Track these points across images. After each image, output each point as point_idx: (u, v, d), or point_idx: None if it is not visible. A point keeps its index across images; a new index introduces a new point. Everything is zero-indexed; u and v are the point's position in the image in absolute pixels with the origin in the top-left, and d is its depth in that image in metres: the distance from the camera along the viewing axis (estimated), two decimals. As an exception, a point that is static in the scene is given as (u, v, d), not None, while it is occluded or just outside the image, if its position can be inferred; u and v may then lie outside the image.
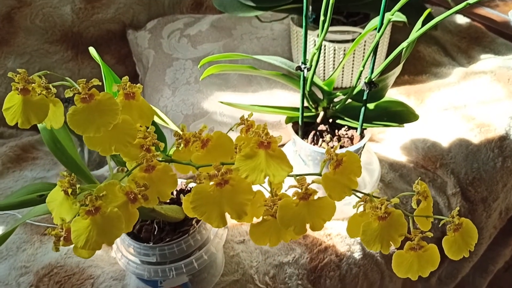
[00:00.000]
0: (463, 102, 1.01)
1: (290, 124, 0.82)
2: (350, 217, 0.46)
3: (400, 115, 0.82)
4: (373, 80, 0.71)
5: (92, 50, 0.65)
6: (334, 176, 0.43)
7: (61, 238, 0.41)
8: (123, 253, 0.68)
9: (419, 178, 0.90)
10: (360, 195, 0.45)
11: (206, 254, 0.68)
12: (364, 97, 0.75)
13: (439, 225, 0.45)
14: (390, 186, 0.91)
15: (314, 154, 0.79)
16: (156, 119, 0.70)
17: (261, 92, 1.03)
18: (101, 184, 0.43)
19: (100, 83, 0.43)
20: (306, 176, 0.45)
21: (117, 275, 0.76)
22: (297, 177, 0.43)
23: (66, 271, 0.74)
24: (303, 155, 0.81)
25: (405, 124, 0.80)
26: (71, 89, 0.42)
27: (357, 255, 0.83)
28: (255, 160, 0.45)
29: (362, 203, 0.45)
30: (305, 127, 0.82)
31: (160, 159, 0.52)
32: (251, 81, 1.05)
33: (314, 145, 0.80)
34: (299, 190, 0.42)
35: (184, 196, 0.52)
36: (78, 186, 0.43)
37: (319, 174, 0.45)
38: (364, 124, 0.79)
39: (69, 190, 0.43)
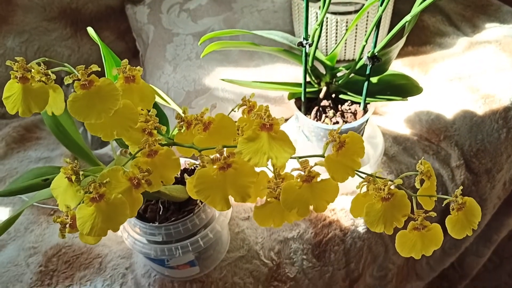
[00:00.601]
0: (467, 72, 1.00)
1: (292, 100, 0.82)
2: (354, 197, 0.46)
3: (403, 88, 0.81)
4: (376, 54, 0.71)
5: (90, 30, 0.64)
6: (337, 158, 0.43)
7: (67, 225, 0.41)
8: (129, 232, 0.69)
9: (423, 151, 0.90)
10: (363, 175, 0.45)
11: (212, 232, 0.69)
12: (367, 72, 0.74)
13: (443, 204, 0.45)
14: (394, 160, 0.90)
15: (317, 130, 0.79)
16: (157, 99, 0.70)
17: (263, 67, 1.02)
18: (104, 170, 0.43)
19: (100, 69, 0.43)
20: (309, 158, 0.45)
21: (125, 253, 0.77)
22: (300, 160, 0.43)
23: (74, 251, 0.75)
24: (306, 131, 0.81)
25: (408, 98, 0.80)
26: (70, 76, 0.42)
27: (361, 229, 0.83)
28: (258, 142, 0.45)
29: (366, 183, 0.45)
30: (308, 103, 0.82)
31: (163, 142, 0.52)
32: (252, 56, 1.04)
33: (317, 121, 0.79)
34: (302, 173, 0.42)
35: (188, 175, 0.52)
36: (81, 173, 0.43)
37: (322, 156, 0.45)
38: (367, 99, 0.79)
39: (73, 177, 0.43)
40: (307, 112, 0.81)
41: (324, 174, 0.44)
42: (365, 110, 0.80)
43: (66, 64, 0.44)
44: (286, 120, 1.04)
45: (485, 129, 0.92)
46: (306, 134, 0.81)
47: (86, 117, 0.43)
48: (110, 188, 0.43)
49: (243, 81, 0.82)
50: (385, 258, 0.88)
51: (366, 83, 0.75)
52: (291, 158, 0.45)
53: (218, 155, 0.43)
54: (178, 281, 0.74)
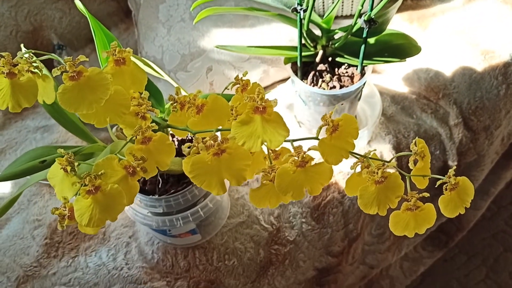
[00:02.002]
0: (467, 27, 0.98)
1: (289, 65, 0.81)
2: (348, 177, 0.47)
3: (401, 48, 0.80)
4: (372, 17, 0.69)
5: (78, 3, 0.63)
6: (330, 142, 0.43)
7: (65, 217, 0.42)
8: (130, 205, 0.70)
9: (421, 110, 0.89)
10: (357, 156, 0.45)
11: (211, 202, 0.70)
12: (364, 35, 0.72)
13: (435, 185, 0.45)
14: (392, 120, 0.90)
15: (314, 95, 0.78)
16: (150, 71, 0.69)
17: (259, 27, 1.00)
18: (99, 160, 0.43)
19: (88, 59, 0.42)
20: (302, 141, 0.45)
21: (127, 222, 0.79)
22: (294, 145, 0.43)
23: (77, 222, 0.77)
24: (303, 96, 0.80)
25: (407, 59, 0.78)
26: (58, 67, 0.41)
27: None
28: (251, 126, 0.45)
29: (360, 163, 0.45)
30: (304, 67, 0.81)
31: (156, 128, 0.52)
32: (247, 16, 1.01)
33: (313, 86, 0.79)
34: (296, 158, 0.42)
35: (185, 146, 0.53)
36: (76, 164, 0.43)
37: (316, 138, 0.45)
38: (364, 61, 0.77)
39: (68, 168, 0.43)
40: (303, 77, 0.80)
41: (318, 155, 0.44)
42: (362, 73, 0.79)
43: (52, 54, 0.43)
44: (284, 80, 1.03)
45: (484, 86, 0.91)
46: (303, 99, 0.81)
47: (77, 109, 0.42)
48: (106, 178, 0.43)
49: (238, 46, 0.80)
50: (382, 216, 0.90)
51: (362, 47, 0.74)
52: (285, 141, 0.45)
53: (211, 141, 0.43)
54: (181, 248, 0.76)
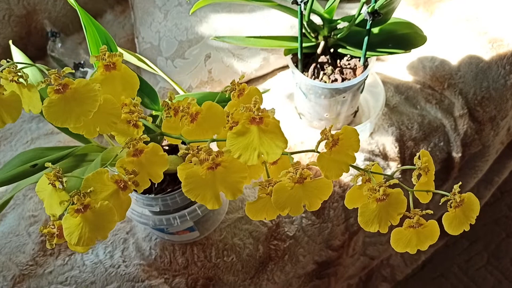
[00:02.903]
0: (475, 14, 0.94)
1: (289, 56, 0.78)
2: (349, 190, 0.45)
3: (406, 38, 0.77)
4: (376, 9, 0.66)
5: (69, -2, 0.60)
6: (330, 156, 0.41)
7: (54, 235, 0.40)
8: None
9: (426, 100, 0.87)
10: (359, 167, 0.43)
11: (209, 200, 0.68)
12: (367, 27, 0.69)
13: (440, 203, 0.43)
14: (395, 111, 0.88)
15: (315, 88, 0.76)
16: (145, 66, 0.66)
17: (259, 12, 0.97)
18: (88, 175, 0.42)
19: (74, 71, 0.40)
20: (300, 152, 0.43)
21: (125, 218, 0.78)
22: (292, 162, 0.41)
23: (74, 218, 0.76)
24: (304, 88, 0.78)
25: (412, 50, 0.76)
26: (43, 80, 0.39)
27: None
28: (248, 137, 0.43)
29: (360, 177, 0.43)
30: (305, 58, 0.78)
31: (150, 127, 0.50)
32: (247, 0, 0.98)
33: (314, 78, 0.76)
34: (294, 174, 0.40)
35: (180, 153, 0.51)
36: (65, 180, 0.42)
37: (315, 151, 0.43)
38: (367, 53, 0.75)
39: (56, 183, 0.42)
40: (304, 69, 0.77)
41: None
42: (365, 65, 0.76)
43: (37, 64, 0.41)
44: (285, 68, 1.00)
45: (491, 75, 0.88)
46: (304, 91, 0.78)
47: (63, 122, 0.40)
48: (96, 193, 0.41)
49: (236, 37, 0.77)
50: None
51: (366, 39, 0.71)
52: (283, 154, 0.43)
53: (206, 155, 0.42)
54: (179, 244, 0.75)
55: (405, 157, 0.85)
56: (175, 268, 0.74)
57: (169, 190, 0.67)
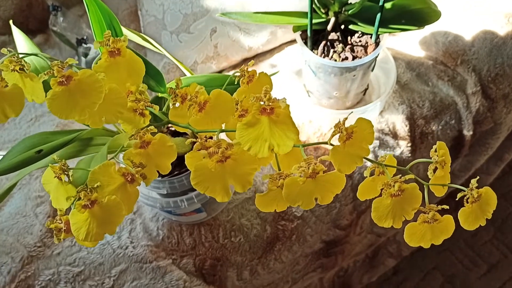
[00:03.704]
0: (492, -15, 0.91)
1: (298, 33, 0.75)
2: (362, 182, 0.44)
3: (420, 14, 0.74)
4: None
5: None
6: (344, 149, 0.40)
7: (61, 230, 0.40)
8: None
9: (438, 77, 0.85)
10: (370, 162, 0.42)
11: (216, 182, 0.67)
12: (380, 2, 0.67)
13: (456, 199, 0.42)
14: (406, 88, 0.86)
15: (324, 66, 0.74)
16: (150, 46, 0.64)
17: (266, -16, 0.93)
18: (95, 168, 0.40)
19: (77, 62, 0.38)
20: (313, 143, 0.42)
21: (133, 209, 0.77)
22: (304, 158, 0.40)
23: (80, 198, 0.75)
24: (313, 66, 0.76)
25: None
26: (45, 72, 0.37)
27: (370, 164, 0.81)
28: (258, 128, 0.41)
29: (374, 168, 0.42)
30: (315, 35, 0.76)
31: (157, 115, 0.48)
32: (254, -28, 0.94)
33: (324, 57, 0.74)
34: (306, 169, 0.39)
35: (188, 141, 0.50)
36: (71, 173, 0.41)
37: (329, 143, 0.41)
38: (379, 29, 0.72)
39: (62, 177, 0.41)
40: (313, 47, 0.75)
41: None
42: (377, 42, 0.74)
43: (39, 53, 0.39)
44: (293, 42, 0.97)
45: (506, 51, 0.85)
46: (313, 69, 0.76)
47: (68, 115, 0.39)
48: (103, 186, 0.40)
49: (243, 13, 0.75)
50: (393, 188, 0.87)
51: (378, 15, 0.69)
52: (294, 146, 0.42)
53: (215, 148, 0.40)
54: (186, 225, 0.75)
55: (415, 135, 0.84)
56: (183, 248, 0.74)
57: (176, 172, 0.66)
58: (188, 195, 0.67)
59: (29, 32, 1.03)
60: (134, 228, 0.74)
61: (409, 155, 0.84)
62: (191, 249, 0.74)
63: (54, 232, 0.40)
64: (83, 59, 0.91)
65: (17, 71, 0.40)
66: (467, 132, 0.87)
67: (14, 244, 0.70)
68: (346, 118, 0.39)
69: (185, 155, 0.49)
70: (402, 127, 0.83)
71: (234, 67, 0.97)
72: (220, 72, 0.98)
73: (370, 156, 0.82)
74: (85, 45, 0.85)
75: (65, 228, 0.39)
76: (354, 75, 0.75)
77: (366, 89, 0.83)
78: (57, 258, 0.70)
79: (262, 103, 0.41)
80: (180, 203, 0.67)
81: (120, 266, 0.70)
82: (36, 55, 0.40)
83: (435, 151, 0.41)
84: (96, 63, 0.44)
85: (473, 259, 1.26)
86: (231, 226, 0.75)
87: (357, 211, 0.84)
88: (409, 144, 0.83)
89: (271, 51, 0.97)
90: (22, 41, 0.60)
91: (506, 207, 1.35)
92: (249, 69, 0.48)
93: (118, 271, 0.70)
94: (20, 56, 0.39)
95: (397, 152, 0.83)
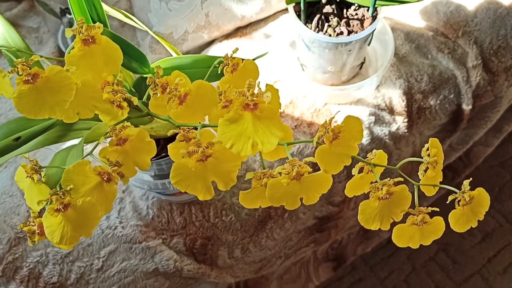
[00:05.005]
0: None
1: (291, 5, 0.71)
2: (350, 180, 0.42)
3: (420, -16, 0.70)
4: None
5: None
6: (330, 150, 0.38)
7: (35, 233, 0.38)
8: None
9: (438, 49, 0.81)
10: (359, 161, 0.40)
11: (205, 163, 0.65)
12: (378, -25, 0.63)
13: (447, 202, 0.40)
14: (404, 61, 0.82)
15: (319, 41, 0.70)
16: (132, 23, 0.61)
17: None
18: (69, 166, 0.39)
19: (40, 57, 0.35)
20: (297, 142, 0.40)
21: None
22: (290, 157, 0.38)
23: (68, 177, 0.74)
24: (307, 41, 0.72)
25: (425, -1, 0.69)
26: (9, 70, 0.35)
27: (365, 140, 0.80)
28: (241, 124, 0.39)
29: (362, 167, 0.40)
30: (309, 8, 0.72)
31: (138, 105, 0.46)
32: None
33: (318, 31, 0.70)
34: (290, 172, 0.37)
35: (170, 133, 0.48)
36: (43, 173, 0.39)
37: (313, 142, 0.39)
38: (377, 2, 0.68)
39: (35, 177, 0.39)
40: (307, 20, 0.71)
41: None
42: (374, 16, 0.70)
43: (3, 48, 0.36)
44: (287, 10, 0.93)
45: (510, 22, 0.81)
46: (307, 44, 0.73)
47: (37, 114, 0.37)
48: (78, 187, 0.38)
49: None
50: (388, 163, 0.86)
51: (376, -12, 0.65)
52: (279, 144, 0.39)
53: (195, 147, 0.38)
54: (176, 203, 0.74)
55: (412, 111, 0.81)
56: (173, 228, 0.73)
57: (163, 154, 0.64)
58: (176, 177, 0.65)
59: (13, -2, 0.99)
60: (124, 208, 0.73)
61: (406, 130, 0.82)
62: (181, 228, 0.73)
63: (28, 235, 0.38)
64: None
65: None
66: (466, 107, 0.85)
67: (1, 225, 0.69)
68: (332, 118, 0.37)
69: (168, 146, 0.47)
70: (399, 102, 0.80)
71: (226, 36, 0.93)
72: (212, 41, 0.94)
73: (365, 133, 0.80)
74: (69, 16, 0.81)
75: (38, 231, 0.38)
76: (349, 50, 0.72)
77: (362, 63, 0.80)
78: (45, 240, 0.69)
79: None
80: (168, 185, 0.66)
81: (109, 247, 0.70)
82: (3, 47, 0.37)
83: (427, 149, 0.39)
84: (69, 53, 0.42)
85: (468, 228, 1.26)
86: (222, 205, 0.74)
87: (351, 187, 0.82)
88: (406, 120, 0.81)
89: (265, 20, 0.92)
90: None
91: (504, 175, 1.34)
92: (234, 56, 0.46)
93: (107, 252, 0.70)
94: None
95: (393, 127, 0.81)
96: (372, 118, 0.80)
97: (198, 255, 0.74)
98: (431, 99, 0.82)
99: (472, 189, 0.38)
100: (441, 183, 0.40)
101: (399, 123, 0.81)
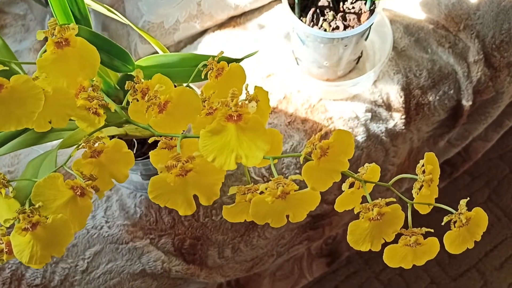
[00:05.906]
0: None
1: (285, -2, 0.68)
2: (340, 195, 0.39)
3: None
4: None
5: None
6: (318, 166, 0.35)
7: (3, 252, 0.36)
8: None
9: (438, 43, 0.78)
10: (350, 176, 0.38)
11: (194, 163, 0.63)
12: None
13: (442, 224, 0.38)
14: (403, 55, 0.79)
15: (313, 36, 0.67)
16: (115, 17, 0.58)
17: None
18: (40, 180, 0.36)
19: (7, 68, 0.33)
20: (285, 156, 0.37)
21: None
22: (273, 178, 0.35)
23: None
24: (302, 35, 0.69)
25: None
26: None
27: (360, 137, 0.77)
28: (224, 136, 0.37)
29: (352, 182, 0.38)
30: (303, 1, 0.68)
31: (117, 110, 0.43)
32: None
33: (313, 26, 0.67)
34: (274, 190, 0.35)
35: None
36: (12, 188, 0.36)
37: (300, 157, 0.37)
38: (375, -5, 0.65)
39: (3, 191, 0.36)
40: (302, 14, 0.68)
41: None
42: (372, 10, 0.67)
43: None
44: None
45: (514, 16, 0.78)
46: (301, 38, 0.70)
47: (2, 127, 0.34)
48: (49, 202, 0.36)
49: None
50: (384, 161, 0.83)
51: (374, -19, 0.62)
52: (264, 158, 0.37)
53: (174, 161, 0.36)
54: (165, 202, 0.72)
55: (410, 107, 0.79)
56: (161, 227, 0.71)
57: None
58: (163, 178, 0.63)
59: (-1, -17, 0.95)
60: (110, 206, 0.71)
61: (403, 127, 0.79)
62: (170, 228, 0.71)
63: (-5, 253, 0.36)
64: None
65: None
66: (466, 102, 0.82)
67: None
68: (320, 133, 0.34)
69: (150, 153, 0.45)
70: (397, 98, 0.77)
71: (219, 26, 0.89)
72: (204, 31, 0.91)
73: (361, 130, 0.77)
74: (55, 4, 0.78)
75: (7, 249, 0.36)
76: (345, 45, 0.69)
77: (359, 57, 0.77)
78: (28, 240, 0.67)
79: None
80: (156, 186, 0.63)
81: (95, 248, 0.68)
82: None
83: (422, 165, 0.36)
84: (41, 56, 0.39)
85: (465, 222, 1.24)
86: (212, 204, 0.72)
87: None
88: (403, 116, 0.78)
89: (259, 9, 0.89)
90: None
91: (503, 167, 1.31)
92: (221, 57, 0.43)
93: (93, 252, 0.68)
94: None
95: (390, 124, 0.78)
96: (369, 115, 0.77)
97: (187, 256, 0.72)
98: (430, 95, 0.79)
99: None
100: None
101: (397, 119, 0.78)
